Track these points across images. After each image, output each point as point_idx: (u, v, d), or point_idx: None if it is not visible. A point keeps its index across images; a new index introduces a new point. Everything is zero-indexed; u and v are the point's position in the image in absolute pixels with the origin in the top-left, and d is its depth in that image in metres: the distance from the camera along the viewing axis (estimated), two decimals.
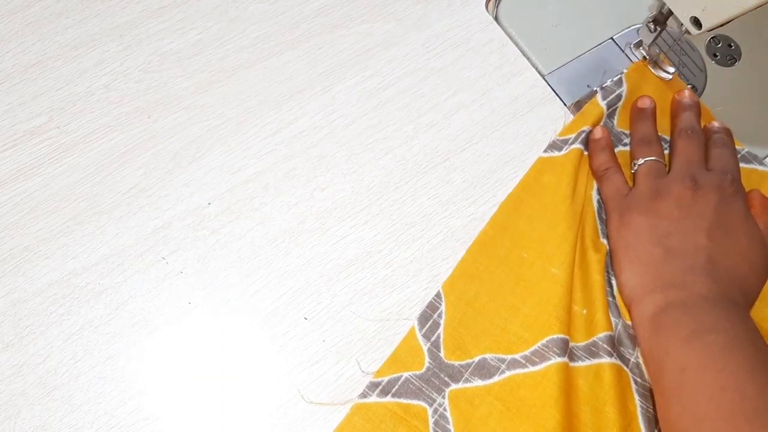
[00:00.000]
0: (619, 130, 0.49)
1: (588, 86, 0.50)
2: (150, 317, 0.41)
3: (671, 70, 0.49)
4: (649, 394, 0.40)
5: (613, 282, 0.43)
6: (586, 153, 0.47)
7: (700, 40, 0.53)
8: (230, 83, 0.49)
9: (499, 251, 0.44)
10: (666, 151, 0.48)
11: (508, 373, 0.40)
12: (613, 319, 0.42)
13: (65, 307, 0.41)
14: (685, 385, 0.37)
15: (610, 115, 0.49)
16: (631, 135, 0.48)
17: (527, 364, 0.40)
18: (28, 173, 0.45)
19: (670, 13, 0.45)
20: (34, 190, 0.44)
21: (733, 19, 0.42)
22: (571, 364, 0.40)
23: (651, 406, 0.40)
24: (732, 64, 0.53)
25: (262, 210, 0.44)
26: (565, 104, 0.50)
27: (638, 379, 0.41)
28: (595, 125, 0.47)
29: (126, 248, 0.43)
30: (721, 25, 0.43)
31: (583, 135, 0.47)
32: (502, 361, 0.41)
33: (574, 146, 0.47)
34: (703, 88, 0.52)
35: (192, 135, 0.47)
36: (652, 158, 0.46)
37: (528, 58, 0.51)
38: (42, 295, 0.41)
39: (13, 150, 0.45)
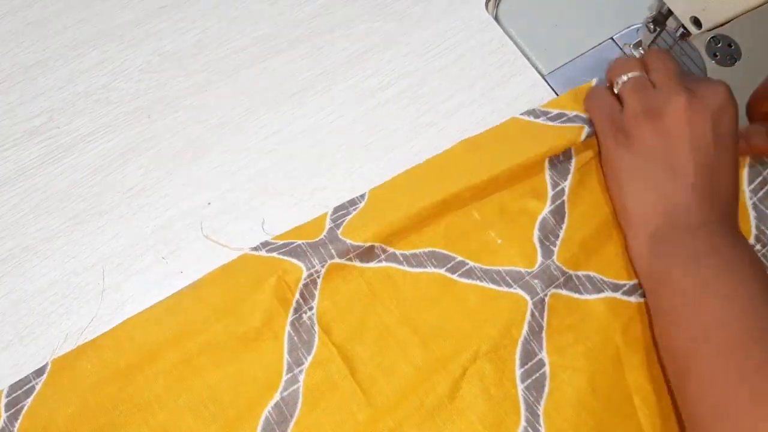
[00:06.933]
0: None
1: None
2: None
3: None
4: (538, 330, 0.40)
5: (563, 225, 0.43)
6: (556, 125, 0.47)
7: (700, 40, 0.53)
8: (230, 83, 0.49)
9: (434, 176, 0.44)
10: None
11: (384, 264, 0.42)
12: (540, 258, 0.42)
13: (65, 307, 0.41)
14: (687, 308, 0.37)
15: None
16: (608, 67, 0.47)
17: (403, 262, 0.42)
18: (28, 173, 0.45)
19: (670, 13, 0.45)
20: (34, 190, 0.44)
21: (733, 19, 0.42)
22: (463, 280, 0.42)
23: (534, 341, 0.40)
24: (732, 64, 0.53)
25: (262, 210, 0.44)
26: None
27: (536, 312, 0.40)
28: (579, 109, 0.47)
29: (126, 248, 0.43)
30: (721, 25, 0.43)
31: (564, 118, 0.46)
32: (384, 251, 0.42)
33: (549, 122, 0.46)
34: None
35: (192, 135, 0.47)
36: (636, 73, 0.44)
37: (528, 58, 0.51)
38: (42, 295, 0.41)
39: (13, 150, 0.45)
